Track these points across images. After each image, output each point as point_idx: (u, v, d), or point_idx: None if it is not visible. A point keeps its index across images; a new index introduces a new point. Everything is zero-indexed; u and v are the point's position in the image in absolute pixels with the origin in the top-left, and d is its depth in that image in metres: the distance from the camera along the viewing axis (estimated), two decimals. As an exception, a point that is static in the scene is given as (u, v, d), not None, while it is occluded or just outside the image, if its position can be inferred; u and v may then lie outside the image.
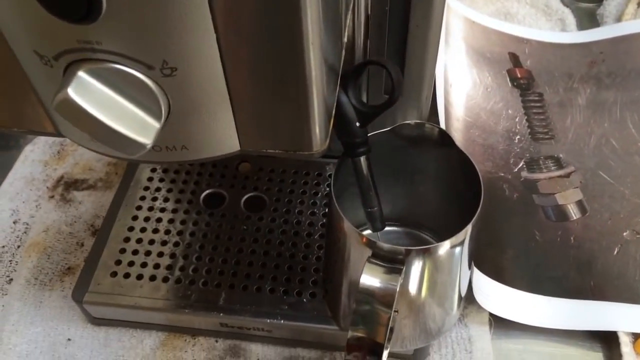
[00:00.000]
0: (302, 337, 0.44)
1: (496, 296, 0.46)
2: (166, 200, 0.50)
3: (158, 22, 0.22)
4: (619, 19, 0.68)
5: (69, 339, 0.46)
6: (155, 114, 0.24)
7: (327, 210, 0.49)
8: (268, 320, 0.43)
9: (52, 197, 0.55)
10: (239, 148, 0.28)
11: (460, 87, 0.59)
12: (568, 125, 0.57)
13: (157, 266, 0.46)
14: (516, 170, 0.54)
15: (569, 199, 0.52)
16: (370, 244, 0.34)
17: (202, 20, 0.22)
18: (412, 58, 0.39)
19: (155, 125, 0.24)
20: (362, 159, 0.37)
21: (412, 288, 0.36)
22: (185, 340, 0.46)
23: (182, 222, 0.49)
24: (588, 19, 0.71)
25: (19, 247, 0.52)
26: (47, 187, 0.56)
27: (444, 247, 0.35)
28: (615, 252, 0.48)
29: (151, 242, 0.47)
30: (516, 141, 0.56)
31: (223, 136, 0.27)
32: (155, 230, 0.48)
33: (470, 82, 0.60)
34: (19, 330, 0.46)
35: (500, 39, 0.65)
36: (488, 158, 0.54)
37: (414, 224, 0.48)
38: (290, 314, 0.43)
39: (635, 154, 0.54)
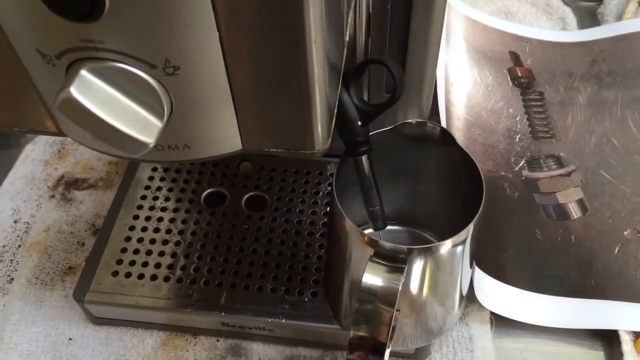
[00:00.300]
0: (303, 336, 0.44)
1: (497, 295, 0.46)
2: (167, 199, 0.50)
3: (161, 20, 0.22)
4: (619, 18, 0.68)
5: (70, 339, 0.46)
6: (157, 113, 0.24)
7: (328, 209, 0.49)
8: (269, 320, 0.43)
9: (53, 196, 0.55)
10: (241, 147, 0.28)
11: (461, 86, 0.59)
12: (569, 124, 0.57)
13: (158, 265, 0.46)
14: (517, 169, 0.54)
15: (570, 198, 0.52)
16: (372, 243, 0.34)
17: (204, 19, 0.22)
18: (413, 57, 0.39)
19: (158, 124, 0.24)
20: (364, 158, 0.37)
21: (414, 287, 0.36)
22: (187, 339, 0.46)
23: (184, 222, 0.49)
24: (589, 17, 0.71)
25: (19, 246, 0.52)
26: (48, 187, 0.56)
27: (445, 246, 0.35)
28: (616, 251, 0.48)
29: (152, 241, 0.47)
30: (517, 140, 0.56)
31: (225, 135, 0.27)
32: (157, 230, 0.48)
33: (471, 81, 0.60)
34: (20, 330, 0.46)
35: (501, 38, 0.65)
36: (489, 157, 0.54)
37: (415, 223, 0.48)
38: (291, 313, 0.43)
39: (635, 152, 0.54)
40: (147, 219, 0.49)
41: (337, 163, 0.38)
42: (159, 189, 0.51)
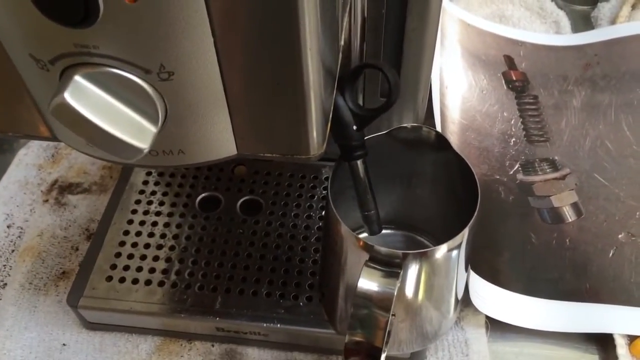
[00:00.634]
0: (298, 341, 0.44)
1: (492, 299, 0.46)
2: (162, 203, 0.50)
3: (155, 26, 0.22)
4: (613, 22, 0.69)
5: (63, 344, 0.46)
6: (152, 118, 0.24)
7: (323, 213, 0.49)
8: (264, 324, 0.42)
9: (47, 201, 0.55)
10: (236, 152, 0.28)
11: (455, 90, 0.59)
12: (563, 127, 0.58)
13: (152, 270, 0.45)
14: (512, 172, 0.54)
15: (564, 201, 0.52)
16: (367, 247, 0.34)
17: (199, 25, 0.22)
18: (408, 61, 0.39)
19: (152, 129, 0.24)
20: (359, 162, 0.37)
21: (409, 291, 0.36)
22: (181, 344, 0.46)
23: (178, 226, 0.48)
24: (582, 21, 0.71)
25: (13, 251, 0.51)
26: (42, 191, 0.56)
27: (441, 251, 0.35)
28: (611, 254, 0.48)
29: (147, 246, 0.47)
30: (511, 144, 0.56)
31: (220, 140, 0.27)
32: (151, 234, 0.48)
33: (465, 85, 0.60)
34: (13, 336, 0.46)
35: (495, 42, 0.66)
36: (484, 161, 0.54)
37: (411, 227, 0.48)
38: (286, 317, 0.43)
39: (629, 156, 0.55)
40: (142, 223, 0.49)
41: (333, 167, 0.38)
42: (153, 193, 0.51)
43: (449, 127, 0.55)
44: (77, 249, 0.51)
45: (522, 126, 0.58)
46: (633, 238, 0.49)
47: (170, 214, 0.49)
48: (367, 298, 0.33)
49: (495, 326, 0.46)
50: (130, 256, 0.46)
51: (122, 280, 0.45)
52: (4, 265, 0.50)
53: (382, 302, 0.32)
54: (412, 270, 0.35)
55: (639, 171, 0.53)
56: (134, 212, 0.49)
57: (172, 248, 0.47)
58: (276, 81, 0.24)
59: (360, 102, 0.43)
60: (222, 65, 0.24)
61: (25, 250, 0.51)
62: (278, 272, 0.45)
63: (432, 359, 0.45)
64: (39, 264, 0.50)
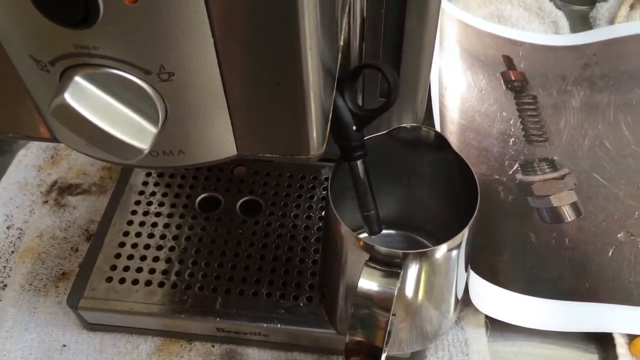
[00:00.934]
0: (298, 341, 0.44)
1: (492, 298, 0.46)
2: (161, 204, 0.50)
3: (155, 27, 0.22)
4: (611, 22, 0.69)
5: (64, 345, 0.46)
6: (152, 119, 0.24)
7: (323, 213, 0.49)
8: (265, 325, 0.42)
9: (46, 202, 0.55)
10: (236, 152, 0.28)
11: (454, 90, 0.59)
12: (562, 127, 0.58)
13: (152, 271, 0.45)
14: (511, 172, 0.54)
15: (564, 201, 0.52)
16: (367, 247, 0.34)
17: (199, 25, 0.22)
18: (407, 61, 0.39)
19: (153, 130, 0.24)
20: (359, 162, 0.37)
21: (409, 291, 0.36)
22: (182, 345, 0.46)
23: (178, 227, 0.48)
24: (581, 21, 0.71)
25: (12, 252, 0.51)
26: (41, 192, 0.56)
27: (441, 251, 0.35)
28: (610, 253, 0.48)
29: (147, 246, 0.47)
30: (511, 143, 0.56)
31: (220, 141, 0.27)
32: (151, 235, 0.48)
33: (464, 85, 0.60)
34: (13, 337, 0.46)
35: (494, 42, 0.66)
36: (483, 160, 0.55)
37: (411, 227, 0.48)
38: (286, 318, 0.43)
39: (628, 156, 0.55)
40: (141, 224, 0.49)
41: (333, 168, 0.38)
42: (153, 194, 0.51)
43: (448, 127, 0.55)
44: (76, 250, 0.51)
45: (521, 126, 0.58)
46: (632, 237, 0.49)
47: (170, 215, 0.49)
48: (367, 298, 0.33)
49: (495, 326, 0.46)
50: (130, 257, 0.46)
51: (122, 281, 0.45)
52: (4, 267, 0.50)
53: (383, 302, 0.32)
54: (412, 270, 0.35)
55: (637, 171, 0.53)
56: (134, 213, 0.49)
57: (172, 249, 0.47)
58: (276, 81, 0.24)
59: (360, 102, 0.43)
60: (222, 66, 0.24)
61: (25, 251, 0.51)
62: (278, 273, 0.45)
63: (432, 359, 0.45)
64: (38, 265, 0.50)
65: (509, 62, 0.64)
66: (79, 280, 0.45)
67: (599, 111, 0.58)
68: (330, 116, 0.31)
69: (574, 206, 0.51)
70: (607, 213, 0.51)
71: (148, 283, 0.45)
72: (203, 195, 0.51)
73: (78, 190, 0.56)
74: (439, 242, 0.34)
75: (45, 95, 0.25)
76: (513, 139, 0.56)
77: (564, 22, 0.70)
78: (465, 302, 0.46)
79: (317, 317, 0.43)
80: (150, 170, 0.52)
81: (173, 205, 0.50)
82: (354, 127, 0.35)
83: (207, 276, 0.45)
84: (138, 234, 0.48)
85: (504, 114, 0.59)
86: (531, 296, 0.46)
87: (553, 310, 0.46)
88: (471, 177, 0.38)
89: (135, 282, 0.45)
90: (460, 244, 0.35)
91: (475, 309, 0.46)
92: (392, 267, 0.34)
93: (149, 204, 0.50)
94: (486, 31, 0.67)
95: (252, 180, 0.52)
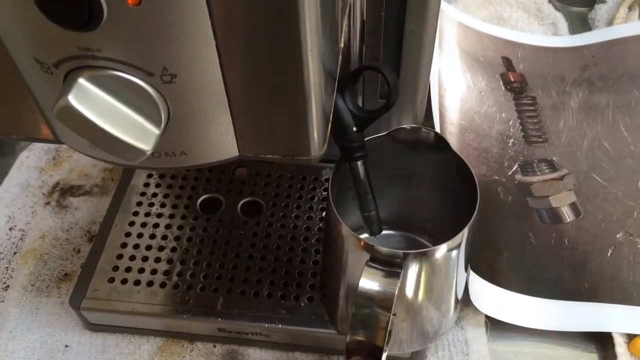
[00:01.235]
0: (299, 341, 0.44)
1: (492, 298, 0.46)
2: (163, 205, 0.50)
3: (158, 29, 0.22)
4: (610, 23, 0.69)
5: (66, 346, 0.46)
6: (155, 120, 0.25)
7: (323, 214, 0.49)
8: (266, 325, 0.43)
9: (48, 203, 0.55)
10: (237, 153, 0.28)
11: (454, 91, 0.59)
12: (561, 128, 0.58)
13: (154, 272, 0.46)
14: (510, 173, 0.54)
15: (563, 202, 0.52)
16: (368, 247, 0.35)
17: (202, 28, 0.22)
18: (407, 63, 0.40)
19: (155, 131, 0.25)
20: (359, 163, 0.37)
21: (410, 291, 0.37)
22: (183, 345, 0.46)
23: (179, 228, 0.49)
24: (580, 23, 0.72)
25: (15, 253, 0.52)
26: (43, 194, 0.56)
27: (441, 251, 0.35)
28: (609, 253, 0.49)
29: (148, 247, 0.47)
30: (510, 144, 0.56)
31: (222, 142, 0.27)
32: (152, 236, 0.48)
33: (464, 86, 0.60)
34: (16, 338, 0.46)
35: (493, 43, 0.66)
36: (482, 161, 0.55)
37: (411, 228, 0.49)
38: (287, 318, 0.43)
39: (627, 156, 0.55)
40: (143, 225, 0.49)
41: (333, 169, 0.38)
42: (154, 195, 0.51)
43: (448, 128, 0.56)
44: (78, 251, 0.52)
45: (520, 127, 0.58)
46: (631, 237, 0.49)
47: (171, 216, 0.50)
48: (368, 298, 0.33)
49: (495, 325, 0.46)
50: (132, 258, 0.47)
51: (124, 281, 0.45)
52: (6, 268, 0.51)
53: (383, 302, 0.33)
54: (413, 270, 0.35)
55: (636, 171, 0.54)
56: (136, 214, 0.50)
57: (173, 249, 0.47)
58: (277, 83, 0.25)
59: (360, 103, 0.43)
60: (224, 68, 0.24)
61: (27, 252, 0.51)
62: (279, 273, 0.45)
63: (432, 359, 0.45)
64: (41, 266, 0.50)
65: (508, 63, 0.64)
66: (81, 281, 0.45)
67: (597, 112, 0.59)
68: (331, 117, 0.31)
69: (573, 206, 0.52)
70: (606, 213, 0.51)
71: (150, 284, 0.45)
72: (204, 196, 0.51)
73: (80, 191, 0.56)
74: (439, 242, 0.35)
75: (49, 97, 0.25)
76: (512, 140, 0.57)
77: (563, 24, 0.70)
78: (465, 302, 0.46)
79: (318, 317, 0.43)
80: (151, 172, 0.52)
81: (174, 206, 0.50)
82: (355, 128, 0.35)
83: (208, 277, 0.45)
84: (140, 235, 0.48)
85: (503, 115, 0.59)
86: (531, 296, 0.47)
87: (553, 310, 0.46)
88: (471, 177, 0.38)
89: (137, 282, 0.45)
90: (460, 244, 0.36)
91: (475, 309, 0.46)
92: (392, 267, 0.34)
93: (151, 205, 0.50)
94: (485, 33, 0.67)
95: (253, 181, 0.52)
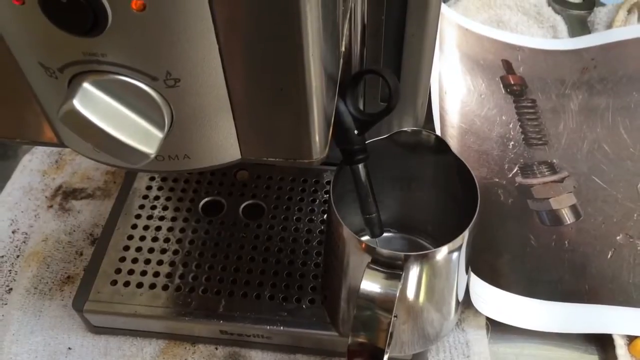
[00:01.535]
0: (301, 343, 0.45)
1: (493, 300, 0.46)
2: (165, 208, 0.51)
3: (162, 34, 0.22)
4: (609, 26, 0.69)
5: (69, 348, 0.46)
6: (158, 124, 0.25)
7: (325, 217, 0.49)
8: (267, 327, 0.43)
9: (51, 206, 0.56)
10: (240, 156, 0.29)
11: (454, 94, 0.60)
12: (561, 130, 0.58)
13: (156, 274, 0.46)
14: (511, 175, 0.54)
15: (563, 204, 0.52)
16: (369, 250, 0.35)
17: (205, 32, 0.23)
18: (407, 66, 0.40)
19: (159, 135, 0.25)
20: (361, 166, 0.37)
21: (411, 293, 0.37)
22: (186, 347, 0.46)
23: (181, 230, 0.49)
24: (579, 26, 0.72)
25: (18, 256, 0.52)
26: (46, 197, 0.56)
27: (441, 253, 0.35)
28: (609, 255, 0.49)
29: (150, 250, 0.48)
30: (510, 147, 0.57)
31: (225, 145, 0.28)
32: (155, 239, 0.48)
33: (464, 89, 0.61)
34: (19, 340, 0.46)
35: (493, 46, 0.66)
36: (483, 164, 0.55)
37: (412, 230, 0.49)
38: (289, 320, 0.43)
39: (627, 158, 0.55)
40: (145, 228, 0.49)
41: (335, 171, 0.38)
42: (156, 198, 0.51)
43: (448, 131, 0.56)
44: (81, 254, 0.52)
45: (520, 130, 0.58)
46: (631, 240, 0.49)
47: (173, 219, 0.50)
48: (369, 300, 0.33)
49: (496, 327, 0.46)
50: (135, 260, 0.47)
51: (126, 284, 0.45)
52: (10, 271, 0.51)
53: (385, 304, 0.33)
54: (414, 272, 0.35)
55: (636, 173, 0.54)
56: (138, 217, 0.50)
57: (175, 252, 0.47)
58: (279, 87, 0.25)
59: (361, 107, 0.44)
60: (226, 72, 0.24)
61: (30, 255, 0.52)
62: (281, 275, 0.46)
63: (433, 361, 0.45)
64: (44, 269, 0.51)
65: (508, 66, 0.64)
66: (83, 283, 0.46)
67: (597, 114, 0.59)
68: (333, 121, 0.31)
69: (574, 209, 0.52)
70: (606, 215, 0.51)
71: (152, 286, 0.45)
72: (206, 199, 0.51)
73: (82, 194, 0.56)
74: (440, 244, 0.35)
75: (54, 101, 0.25)
76: (513, 143, 0.57)
77: (562, 27, 0.71)
78: (466, 304, 0.46)
79: (320, 319, 0.43)
80: (154, 175, 0.53)
81: (176, 209, 0.50)
82: (356, 132, 0.35)
83: (210, 279, 0.46)
84: (142, 238, 0.48)
85: (503, 117, 0.59)
86: (531, 298, 0.47)
87: (553, 312, 0.46)
88: (471, 180, 0.38)
89: (139, 285, 0.45)
90: (461, 246, 0.36)
91: (476, 311, 0.46)
92: (393, 269, 0.34)
93: (153, 208, 0.51)
94: (485, 36, 0.67)
95: (255, 184, 0.52)
